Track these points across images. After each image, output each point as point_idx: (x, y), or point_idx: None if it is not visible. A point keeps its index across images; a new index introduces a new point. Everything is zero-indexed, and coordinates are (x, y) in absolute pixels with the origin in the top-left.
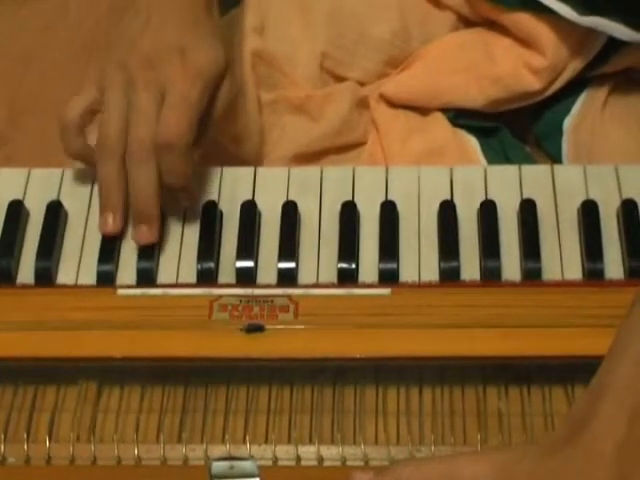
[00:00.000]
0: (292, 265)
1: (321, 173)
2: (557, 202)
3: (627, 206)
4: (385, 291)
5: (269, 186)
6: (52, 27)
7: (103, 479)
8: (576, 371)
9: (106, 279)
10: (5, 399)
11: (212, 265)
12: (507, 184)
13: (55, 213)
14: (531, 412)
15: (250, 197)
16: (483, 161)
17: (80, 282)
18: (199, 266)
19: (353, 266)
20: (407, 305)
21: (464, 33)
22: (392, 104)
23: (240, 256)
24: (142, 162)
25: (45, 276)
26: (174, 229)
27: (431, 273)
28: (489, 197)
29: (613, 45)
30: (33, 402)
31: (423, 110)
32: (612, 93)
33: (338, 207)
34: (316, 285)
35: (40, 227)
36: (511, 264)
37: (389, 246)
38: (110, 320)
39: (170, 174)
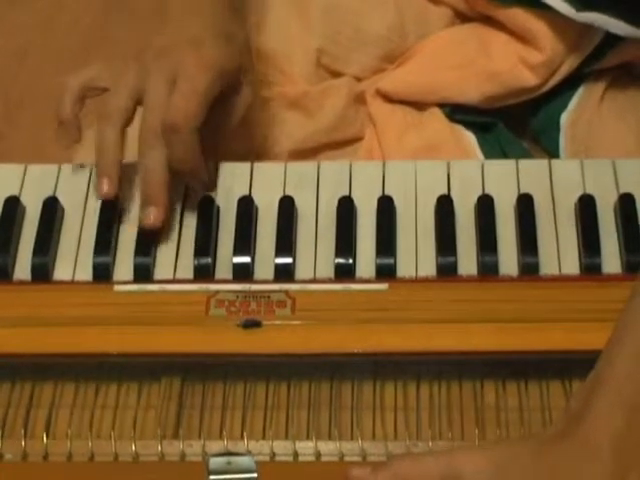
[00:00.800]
0: (289, 260)
1: (318, 168)
2: (554, 197)
3: (624, 200)
4: (382, 286)
5: (266, 181)
6: (48, 24)
7: (100, 475)
8: (574, 366)
9: (103, 275)
10: (2, 395)
11: (209, 261)
12: (504, 179)
13: (51, 209)
14: (529, 407)
15: (247, 192)
16: (480, 156)
17: (77, 278)
18: (196, 262)
19: (350, 261)
20: (404, 300)
21: (461, 29)
22: (389, 99)
23: (237, 252)
24: (151, 145)
25: (42, 272)
26: (171, 224)
27: (428, 268)
28: (486, 192)
29: (610, 40)
30: (30, 398)
31: (420, 105)
32: (609, 88)
33: (335, 202)
34: (313, 280)
35: (36, 223)
36: (508, 259)
37: (386, 241)
38: (107, 316)
39: (176, 158)
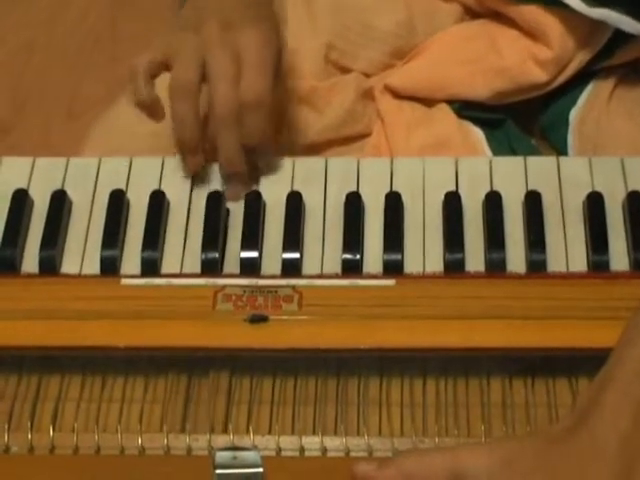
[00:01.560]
0: (296, 256)
1: (326, 164)
2: (562, 194)
3: (632, 198)
4: (389, 282)
5: (274, 176)
6: (55, 18)
7: (106, 468)
8: (580, 363)
9: (110, 269)
10: (9, 388)
11: (216, 255)
12: (512, 176)
13: (59, 202)
14: (535, 404)
15: (255, 187)
16: (488, 153)
17: (84, 272)
18: (203, 256)
19: (357, 257)
20: (411, 296)
21: (470, 25)
22: (397, 95)
23: (244, 246)
24: (230, 124)
25: (49, 265)
26: (178, 219)
27: (436, 264)
28: (494, 188)
29: (619, 38)
30: (37, 391)
31: (428, 102)
32: (618, 85)
33: (343, 198)
34: (320, 276)
35: (44, 216)
36: (516, 256)
37: (394, 237)
38: (114, 310)
39: (254, 132)
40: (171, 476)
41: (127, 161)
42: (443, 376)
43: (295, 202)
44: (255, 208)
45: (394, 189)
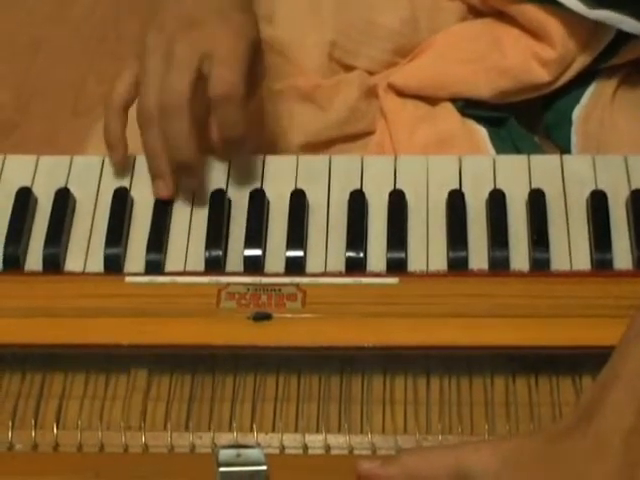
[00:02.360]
0: (300, 254)
1: (329, 162)
2: (566, 192)
3: (636, 196)
4: (393, 280)
5: (277, 174)
6: (60, 15)
7: (110, 466)
8: (584, 361)
9: (114, 266)
10: (13, 386)
11: (220, 253)
12: (516, 174)
13: (63, 200)
14: (539, 402)
15: (259, 185)
16: (492, 151)
17: (88, 269)
18: (207, 254)
19: (361, 255)
20: (415, 294)
21: (473, 23)
22: (401, 93)
23: (248, 244)
24: (176, 115)
25: (53, 263)
26: (182, 217)
27: (439, 262)
28: (498, 187)
29: (622, 38)
30: (41, 389)
31: (432, 100)
32: (622, 84)
33: (346, 196)
34: (324, 274)
35: (48, 214)
36: (519, 254)
37: (397, 235)
38: (118, 308)
39: (229, 126)
40: (175, 474)
41: (131, 159)
42: (447, 374)
43: (299, 200)
44: (259, 206)
45: (398, 187)
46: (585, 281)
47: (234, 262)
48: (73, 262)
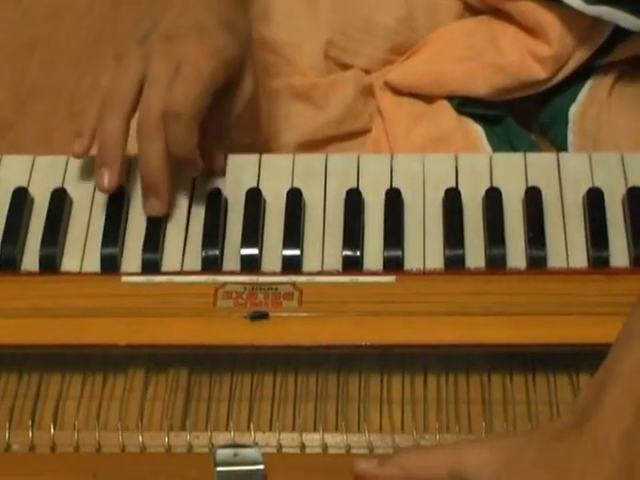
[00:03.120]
0: (297, 252)
1: (326, 160)
2: (562, 190)
3: (632, 194)
4: (390, 279)
5: (274, 173)
6: (58, 15)
7: (107, 466)
8: (581, 359)
9: (111, 266)
10: (10, 386)
11: (217, 252)
12: (512, 172)
13: (60, 200)
14: (536, 400)
15: (255, 184)
16: (488, 149)
17: (85, 269)
18: (204, 253)
19: (358, 253)
20: (412, 293)
21: (470, 21)
22: (397, 92)
23: (245, 243)
24: (152, 133)
25: (50, 263)
26: (179, 216)
27: (436, 261)
28: (494, 185)
29: (619, 34)
30: (38, 389)
31: (428, 98)
32: (618, 81)
33: (343, 194)
34: (321, 272)
35: (45, 214)
36: (516, 252)
37: (394, 234)
38: (114, 308)
39: (175, 144)
40: (172, 474)
41: (127, 159)
42: (444, 373)
43: (295, 199)
44: (255, 205)
45: (394, 185)
46: (582, 279)
47: (231, 261)
48: (69, 262)
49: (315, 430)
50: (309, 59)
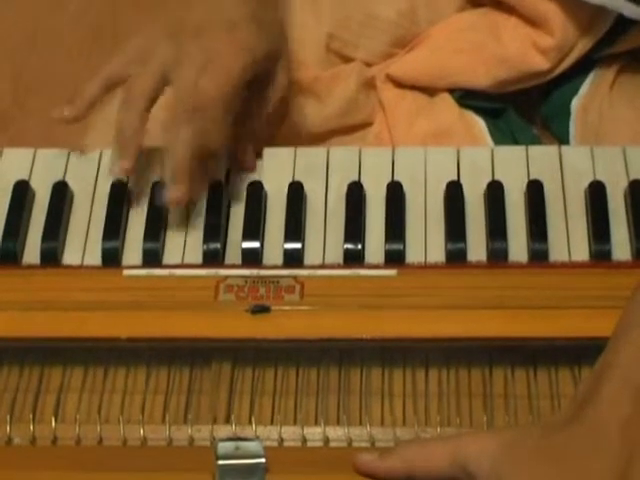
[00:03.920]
0: (298, 246)
1: (327, 154)
2: (564, 183)
3: (634, 187)
4: (391, 272)
5: (275, 166)
6: (58, 9)
7: (109, 459)
8: (583, 353)
9: (112, 260)
10: (11, 380)
11: (218, 246)
12: (514, 165)
13: (61, 194)
14: (537, 394)
15: (256, 177)
16: (490, 142)
17: (86, 263)
18: (205, 247)
19: (359, 247)
20: (413, 286)
21: (471, 13)
22: (399, 85)
23: (246, 237)
24: (181, 123)
25: (51, 257)
26: (180, 209)
27: (437, 254)
28: (496, 178)
29: (621, 25)
30: (39, 382)
31: (430, 91)
32: (620, 74)
33: (344, 188)
34: (322, 266)
35: (46, 208)
36: (518, 245)
37: (395, 227)
38: (116, 301)
39: (201, 137)
40: (173, 467)
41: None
42: (445, 366)
43: (297, 192)
44: (256, 198)
45: (396, 179)
46: (584, 272)
47: (232, 254)
48: (71, 255)
49: (316, 423)
50: (311, 52)
